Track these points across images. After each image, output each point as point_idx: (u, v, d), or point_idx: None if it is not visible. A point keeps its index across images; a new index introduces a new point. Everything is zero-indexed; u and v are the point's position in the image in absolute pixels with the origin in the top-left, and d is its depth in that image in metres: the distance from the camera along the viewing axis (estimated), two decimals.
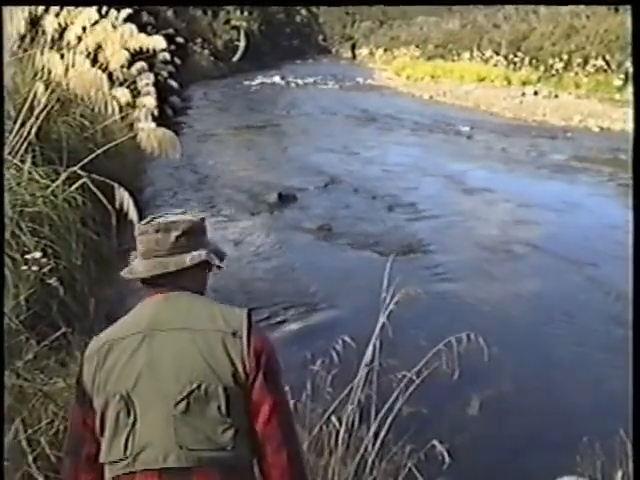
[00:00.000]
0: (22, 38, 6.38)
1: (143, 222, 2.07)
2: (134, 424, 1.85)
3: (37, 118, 6.12)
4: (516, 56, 33.21)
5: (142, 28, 8.09)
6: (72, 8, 6.71)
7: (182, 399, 1.85)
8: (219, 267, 2.13)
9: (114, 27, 7.54)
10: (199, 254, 2.04)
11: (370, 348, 3.98)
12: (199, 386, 1.86)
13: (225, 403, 1.85)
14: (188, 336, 1.92)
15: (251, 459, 1.95)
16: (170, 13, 26.61)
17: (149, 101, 9.29)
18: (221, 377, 1.88)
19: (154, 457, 1.82)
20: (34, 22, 6.49)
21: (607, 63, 28.01)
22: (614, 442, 3.71)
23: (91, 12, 6.97)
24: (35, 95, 6.13)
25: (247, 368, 1.91)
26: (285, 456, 1.94)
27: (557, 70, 30.28)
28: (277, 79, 36.58)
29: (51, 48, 6.55)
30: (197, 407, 1.85)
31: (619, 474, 3.67)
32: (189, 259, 2.02)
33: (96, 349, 1.97)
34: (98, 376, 1.93)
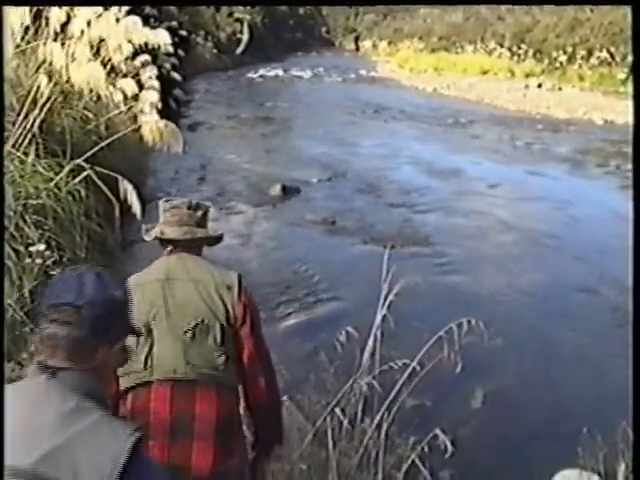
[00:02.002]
0: (25, 30, 6.36)
1: (167, 200, 2.76)
2: (152, 346, 2.42)
3: (40, 110, 6.12)
4: (520, 48, 33.13)
5: (145, 21, 8.07)
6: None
7: (189, 330, 2.45)
8: (217, 242, 2.81)
9: (117, 20, 7.52)
10: (215, 230, 2.80)
11: (371, 339, 3.99)
12: (202, 321, 2.46)
13: (220, 336, 2.46)
14: (194, 285, 2.54)
15: (237, 382, 2.55)
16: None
17: (152, 94, 9.28)
18: (218, 317, 2.49)
19: (167, 369, 2.39)
20: (37, 14, 6.48)
21: (611, 56, 27.95)
22: (616, 434, 3.71)
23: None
24: (38, 87, 6.13)
25: (237, 313, 2.54)
26: (263, 381, 2.60)
27: (561, 63, 30.21)
28: (280, 72, 36.50)
29: (54, 40, 6.55)
30: (200, 336, 2.45)
31: (622, 466, 3.67)
32: (212, 232, 2.76)
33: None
34: None
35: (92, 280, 1.57)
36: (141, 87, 9.70)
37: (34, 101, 6.12)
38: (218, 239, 2.80)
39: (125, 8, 8.13)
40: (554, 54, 30.78)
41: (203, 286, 2.53)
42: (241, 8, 43.22)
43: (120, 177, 5.84)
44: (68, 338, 1.49)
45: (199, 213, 2.68)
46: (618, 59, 27.47)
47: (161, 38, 7.75)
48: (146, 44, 7.82)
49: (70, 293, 1.53)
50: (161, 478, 1.59)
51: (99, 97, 8.39)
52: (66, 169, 6.01)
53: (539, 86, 28.11)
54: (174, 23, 22.43)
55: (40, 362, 1.48)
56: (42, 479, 1.31)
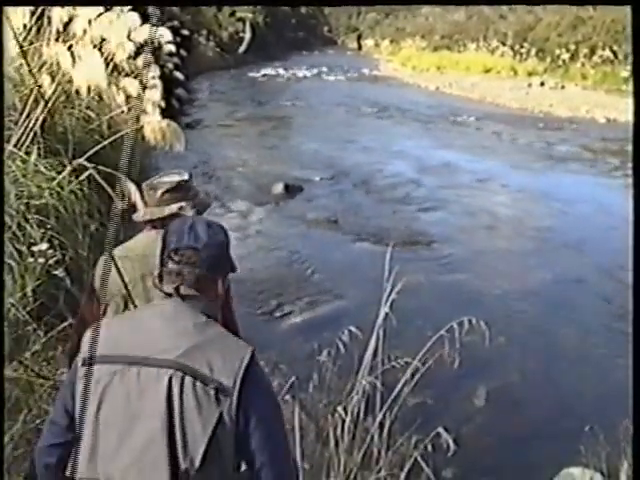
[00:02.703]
0: (27, 30, 6.37)
1: (146, 182, 2.89)
2: None
3: (43, 110, 6.12)
4: (522, 47, 33.09)
5: (147, 20, 8.07)
6: None
7: None
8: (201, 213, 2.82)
9: (119, 18, 7.52)
10: (175, 207, 2.78)
11: (374, 338, 3.99)
12: None
13: None
14: None
15: None
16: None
17: (155, 93, 9.27)
18: None
19: None
20: (40, 14, 6.49)
21: (614, 54, 27.91)
22: (619, 433, 3.72)
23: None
24: (41, 87, 6.13)
25: None
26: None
27: (563, 61, 30.17)
28: (283, 71, 36.50)
29: (57, 40, 6.55)
30: None
31: (624, 464, 3.67)
32: (167, 210, 2.78)
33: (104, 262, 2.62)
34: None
35: (204, 227, 1.96)
36: (144, 86, 9.70)
37: (36, 100, 6.12)
38: (199, 212, 2.83)
39: (127, 7, 8.14)
40: (557, 52, 30.74)
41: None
42: (243, 7, 43.21)
43: (123, 176, 5.83)
44: (192, 274, 1.89)
45: (159, 192, 2.81)
46: (621, 57, 27.42)
47: (162, 35, 7.74)
48: (148, 43, 7.81)
49: (189, 238, 1.91)
50: (269, 386, 1.90)
51: (101, 97, 8.39)
52: (68, 168, 6.00)
53: (542, 84, 28.08)
54: (176, 22, 22.42)
55: (170, 292, 1.88)
56: (185, 367, 1.70)
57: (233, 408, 1.69)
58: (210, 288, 1.93)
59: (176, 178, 2.87)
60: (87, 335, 1.85)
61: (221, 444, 1.69)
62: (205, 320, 1.85)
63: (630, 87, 22.69)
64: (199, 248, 1.91)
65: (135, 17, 7.39)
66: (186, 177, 2.90)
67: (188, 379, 1.69)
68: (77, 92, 7.53)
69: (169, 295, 1.89)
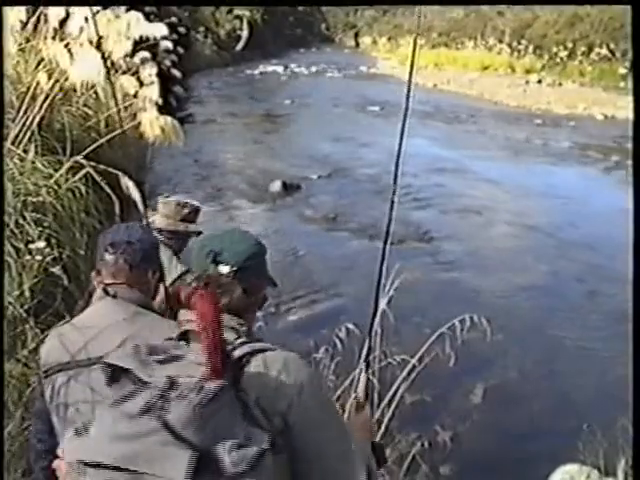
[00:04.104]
0: (24, 27, 6.36)
1: (165, 196, 3.44)
2: None
3: (40, 107, 6.11)
4: (520, 44, 33.12)
5: (144, 17, 8.05)
6: None
7: None
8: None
9: (117, 16, 7.51)
10: (193, 227, 3.41)
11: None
12: None
13: None
14: None
15: None
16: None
17: (152, 91, 9.26)
18: None
19: None
20: (35, 11, 6.47)
21: (611, 51, 27.94)
22: (616, 430, 3.72)
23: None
24: (38, 84, 6.12)
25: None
26: None
27: (561, 58, 30.20)
28: (280, 68, 36.47)
29: (53, 37, 6.53)
30: None
31: (622, 462, 3.68)
32: (189, 227, 3.39)
33: None
34: None
35: (137, 228, 2.24)
36: (141, 84, 9.68)
37: (33, 98, 6.11)
38: (198, 234, 3.30)
39: (124, 5, 8.12)
40: (554, 50, 30.77)
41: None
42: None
43: (121, 173, 5.83)
44: (125, 265, 2.11)
45: (185, 210, 3.37)
46: (618, 55, 27.45)
47: (159, 31, 7.73)
48: (145, 40, 7.80)
49: (124, 235, 2.15)
50: None
51: (97, 94, 8.39)
52: (66, 166, 6.00)
53: (539, 82, 28.10)
54: (174, 19, 22.39)
55: (105, 287, 2.09)
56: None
57: None
58: (142, 281, 2.15)
59: (196, 204, 3.52)
60: (44, 347, 2.12)
61: None
62: (135, 311, 2.05)
63: (627, 84, 22.75)
64: (133, 242, 2.14)
65: (133, 15, 7.37)
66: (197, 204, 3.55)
67: None
68: (74, 90, 7.52)
69: (105, 293, 2.10)
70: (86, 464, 1.34)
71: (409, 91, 2.64)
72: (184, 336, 1.61)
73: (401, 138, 2.68)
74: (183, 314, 1.63)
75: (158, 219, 3.35)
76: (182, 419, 1.32)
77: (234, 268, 1.68)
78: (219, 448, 1.32)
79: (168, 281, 2.80)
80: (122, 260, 2.12)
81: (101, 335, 1.98)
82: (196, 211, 3.47)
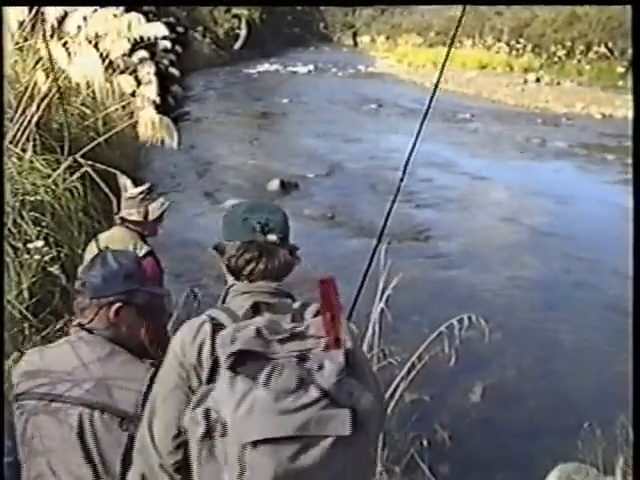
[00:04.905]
0: (22, 26, 6.35)
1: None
2: None
3: (38, 107, 6.10)
4: (518, 43, 33.12)
5: (143, 16, 8.06)
6: None
7: None
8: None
9: (115, 16, 7.51)
10: (153, 209, 3.69)
11: (369, 334, 3.99)
12: None
13: None
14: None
15: None
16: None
17: (150, 90, 9.26)
18: None
19: None
20: (34, 10, 6.46)
21: (610, 50, 27.94)
22: (615, 428, 3.72)
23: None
24: (36, 83, 6.11)
25: None
26: None
27: (559, 57, 30.20)
28: (278, 67, 36.46)
29: (52, 37, 6.53)
30: None
31: (620, 460, 3.68)
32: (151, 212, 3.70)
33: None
34: None
35: (105, 260, 2.13)
36: (139, 83, 9.69)
37: (31, 97, 6.11)
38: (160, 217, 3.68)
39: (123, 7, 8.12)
40: (552, 49, 30.78)
41: None
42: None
43: (119, 172, 5.82)
44: (83, 303, 2.08)
45: (140, 196, 3.66)
46: (617, 53, 27.46)
47: (157, 30, 7.73)
48: (143, 40, 7.80)
49: (85, 272, 2.12)
50: None
51: (94, 94, 8.39)
52: (64, 165, 5.99)
53: (537, 81, 28.11)
54: (172, 19, 22.39)
55: (79, 324, 2.07)
56: (92, 403, 1.88)
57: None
58: (103, 316, 2.08)
59: (146, 185, 3.84)
60: (16, 371, 2.10)
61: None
62: (109, 351, 2.02)
63: (626, 83, 22.74)
64: (84, 279, 2.11)
65: (133, 16, 7.38)
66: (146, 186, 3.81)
67: (97, 413, 1.88)
68: (72, 89, 7.51)
69: (80, 327, 2.09)
70: (256, 442, 1.53)
71: (431, 100, 2.87)
72: (256, 306, 1.81)
73: (415, 141, 2.88)
74: (259, 285, 1.87)
75: (124, 212, 3.66)
76: (331, 384, 1.57)
77: (280, 235, 1.91)
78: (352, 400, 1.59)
79: None
80: (80, 300, 2.11)
81: (76, 372, 1.97)
82: (149, 190, 3.71)
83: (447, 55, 2.92)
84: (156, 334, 2.87)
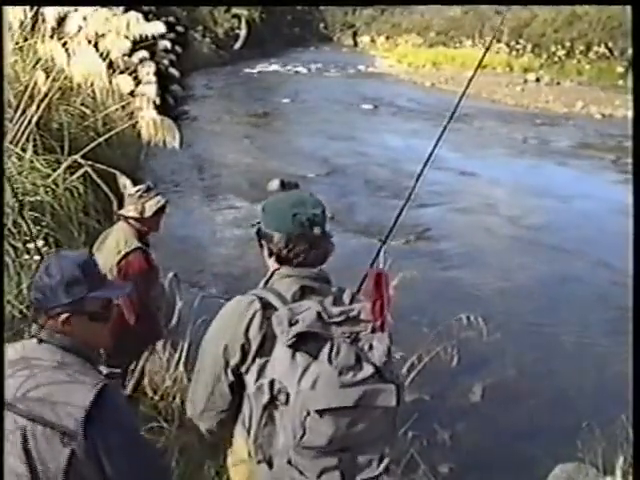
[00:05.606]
0: (22, 26, 6.35)
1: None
2: None
3: (38, 107, 6.10)
4: (518, 43, 33.09)
5: (142, 16, 8.06)
6: None
7: None
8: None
9: (114, 15, 7.50)
10: (150, 207, 3.74)
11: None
12: None
13: None
14: (106, 246, 3.72)
15: None
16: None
17: (150, 90, 9.26)
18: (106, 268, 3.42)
19: None
20: (35, 11, 6.46)
21: (610, 50, 27.93)
22: (615, 428, 3.72)
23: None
24: (36, 83, 6.12)
25: (114, 272, 3.57)
26: None
27: (559, 57, 30.19)
28: (278, 67, 36.44)
29: (51, 37, 6.53)
30: None
31: (620, 460, 3.68)
32: (131, 212, 3.73)
33: None
34: None
35: (44, 267, 2.02)
36: (139, 83, 9.69)
37: (31, 97, 6.11)
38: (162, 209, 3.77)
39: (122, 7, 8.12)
40: (552, 48, 30.75)
41: (108, 248, 3.64)
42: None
43: (118, 172, 5.83)
44: (40, 308, 1.98)
45: (138, 194, 3.70)
46: (616, 53, 27.45)
47: (156, 29, 7.73)
48: (144, 39, 7.80)
49: (39, 276, 2.00)
50: (126, 420, 1.93)
51: (94, 94, 8.39)
52: (64, 165, 6.00)
53: (537, 80, 28.09)
54: (172, 19, 22.38)
55: (35, 330, 1.98)
56: (36, 417, 1.80)
57: (82, 446, 1.80)
58: (54, 324, 1.98)
59: (147, 184, 3.92)
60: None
61: (83, 477, 1.82)
62: (60, 361, 1.93)
63: (626, 83, 22.73)
64: (38, 283, 2.02)
65: (132, 15, 7.38)
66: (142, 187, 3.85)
67: (40, 427, 1.82)
68: (72, 89, 7.51)
69: (33, 336, 2.00)
70: (321, 411, 1.81)
71: (457, 107, 3.20)
72: (302, 290, 2.03)
73: (435, 145, 3.15)
74: (302, 271, 2.08)
75: (123, 209, 3.78)
76: (382, 361, 1.89)
77: (323, 229, 2.11)
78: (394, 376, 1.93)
79: (116, 258, 3.56)
80: (36, 304, 2.02)
81: (27, 382, 1.88)
82: (147, 189, 3.77)
83: (481, 58, 2.99)
84: (125, 335, 3.00)
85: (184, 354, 4.34)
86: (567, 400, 5.35)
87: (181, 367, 4.31)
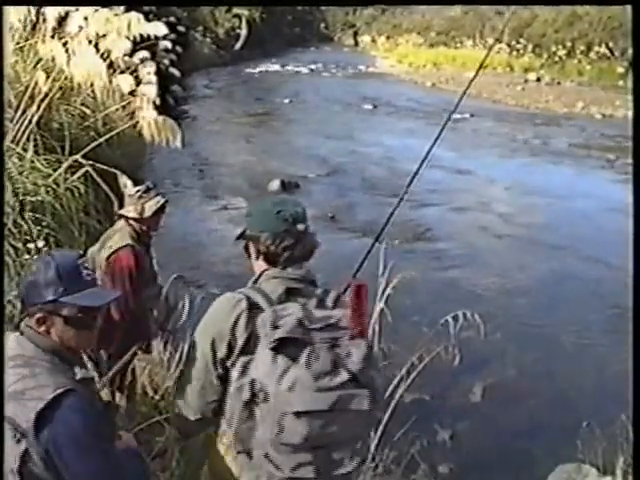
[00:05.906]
0: (23, 26, 6.35)
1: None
2: None
3: (38, 107, 6.10)
4: (519, 43, 33.09)
5: (143, 16, 8.07)
6: None
7: None
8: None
9: (116, 15, 7.50)
10: (149, 207, 3.76)
11: (369, 333, 3.99)
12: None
13: None
14: (101, 245, 3.82)
15: None
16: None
17: (150, 90, 9.26)
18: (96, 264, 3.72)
19: None
20: (36, 11, 6.46)
21: (610, 50, 27.93)
22: (615, 428, 3.72)
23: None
24: (36, 83, 6.12)
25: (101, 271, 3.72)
26: None
27: (560, 57, 30.19)
28: (279, 67, 36.44)
29: (52, 37, 6.53)
30: None
31: (620, 460, 3.68)
32: (128, 212, 3.78)
33: None
34: None
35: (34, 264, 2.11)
36: (139, 83, 9.68)
37: (32, 97, 6.11)
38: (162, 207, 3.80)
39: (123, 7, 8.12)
40: (553, 49, 30.76)
41: (106, 247, 3.71)
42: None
43: (119, 172, 5.83)
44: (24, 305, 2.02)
45: (138, 194, 3.75)
46: (617, 53, 27.46)
47: (157, 29, 7.73)
48: (144, 39, 7.80)
49: (28, 273, 2.08)
50: (82, 425, 1.88)
51: (94, 94, 8.39)
52: (64, 165, 5.99)
53: (538, 80, 28.09)
54: (172, 19, 22.38)
55: (16, 324, 2.04)
56: (7, 417, 1.83)
57: (34, 446, 1.82)
58: (32, 321, 2.00)
59: (147, 184, 3.92)
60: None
61: (36, 476, 1.84)
62: (32, 357, 1.94)
63: (626, 83, 22.72)
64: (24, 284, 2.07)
65: (133, 15, 7.37)
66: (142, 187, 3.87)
67: (8, 425, 1.84)
68: (72, 89, 7.51)
69: (15, 328, 2.05)
70: (297, 413, 1.91)
71: (456, 107, 3.31)
72: (288, 291, 2.10)
73: (432, 145, 3.27)
74: (289, 272, 2.14)
75: (123, 209, 3.83)
76: (358, 367, 1.98)
77: (306, 225, 2.16)
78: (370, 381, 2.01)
79: (107, 253, 3.66)
80: (22, 301, 2.05)
81: (9, 377, 1.91)
82: (146, 189, 3.80)
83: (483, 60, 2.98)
84: (109, 330, 3.14)
85: (184, 354, 4.34)
86: (567, 400, 5.35)
87: (181, 367, 4.31)
